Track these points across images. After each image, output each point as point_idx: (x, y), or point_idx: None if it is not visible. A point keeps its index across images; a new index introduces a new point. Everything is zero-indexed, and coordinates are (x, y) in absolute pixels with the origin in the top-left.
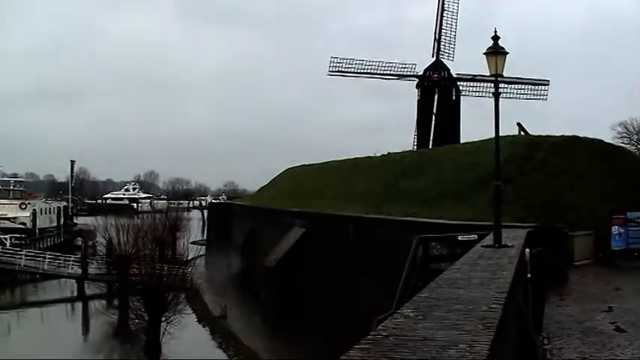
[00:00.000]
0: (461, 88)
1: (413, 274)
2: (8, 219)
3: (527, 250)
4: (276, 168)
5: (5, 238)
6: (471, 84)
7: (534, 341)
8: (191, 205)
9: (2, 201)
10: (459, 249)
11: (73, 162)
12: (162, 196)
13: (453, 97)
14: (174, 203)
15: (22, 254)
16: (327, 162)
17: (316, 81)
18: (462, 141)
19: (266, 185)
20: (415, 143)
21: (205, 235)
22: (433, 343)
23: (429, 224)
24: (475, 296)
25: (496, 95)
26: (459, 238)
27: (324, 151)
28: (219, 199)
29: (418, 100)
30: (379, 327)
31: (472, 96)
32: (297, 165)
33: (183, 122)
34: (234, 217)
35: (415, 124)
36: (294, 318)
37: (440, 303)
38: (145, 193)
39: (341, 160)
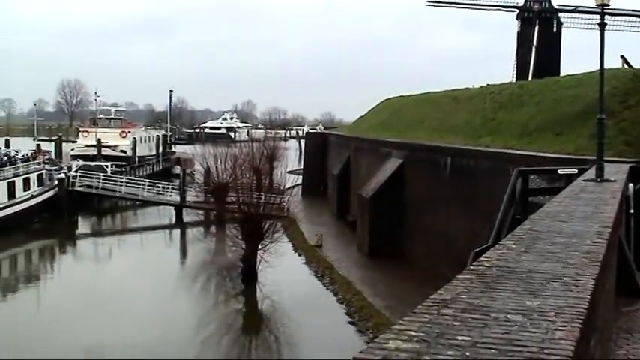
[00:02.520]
0: (562, 19)
1: (511, 207)
2: (109, 147)
3: (631, 185)
4: (373, 98)
5: (107, 166)
6: (574, 15)
7: (635, 277)
8: (288, 134)
9: (103, 130)
10: (559, 183)
11: (171, 91)
12: (259, 126)
13: (554, 29)
14: (271, 132)
15: (122, 181)
16: (425, 93)
17: (411, 11)
18: (562, 74)
19: (363, 115)
20: (514, 75)
21: (302, 164)
22: (537, 275)
23: (528, 157)
24: (578, 230)
25: (601, 26)
26: (559, 171)
27: (419, 81)
28: (316, 129)
29: (518, 32)
30: (482, 258)
31: (574, 28)
32: (395, 96)
33: (280, 51)
34: (330, 146)
35: (514, 55)
36: (390, 248)
37: (542, 235)
38: (242, 122)
39: (438, 92)
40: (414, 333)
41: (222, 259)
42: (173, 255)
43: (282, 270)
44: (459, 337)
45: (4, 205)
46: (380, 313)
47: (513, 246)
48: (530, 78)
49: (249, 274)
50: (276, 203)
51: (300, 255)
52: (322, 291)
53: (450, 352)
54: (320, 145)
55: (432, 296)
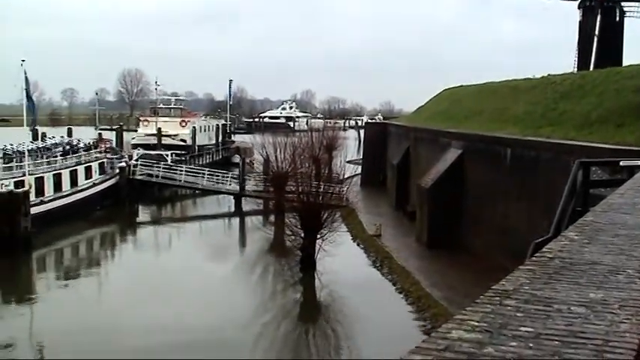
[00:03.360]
0: (625, 8)
1: (572, 198)
2: (169, 136)
3: None
4: (433, 88)
5: (167, 155)
6: (636, 4)
7: None
8: (347, 124)
9: (164, 119)
10: (621, 174)
11: (231, 81)
12: (318, 115)
13: (617, 19)
14: (330, 122)
15: (182, 170)
16: (484, 83)
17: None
18: (624, 64)
19: (423, 105)
20: (575, 65)
21: (361, 154)
22: (600, 268)
23: (590, 148)
24: None
25: None
26: (621, 163)
27: (477, 71)
28: (375, 119)
29: (579, 22)
30: (544, 249)
31: (637, 17)
32: (454, 86)
33: (339, 41)
34: (390, 136)
35: (576, 45)
36: (448, 239)
37: (605, 227)
38: (301, 111)
39: (498, 82)
40: (476, 323)
41: (281, 247)
42: (232, 243)
43: (341, 259)
44: (522, 329)
45: (67, 192)
46: (438, 304)
47: (576, 238)
48: (591, 68)
49: (307, 263)
50: (335, 193)
51: (358, 244)
52: (380, 280)
53: (514, 343)
54: (379, 134)
55: (494, 287)
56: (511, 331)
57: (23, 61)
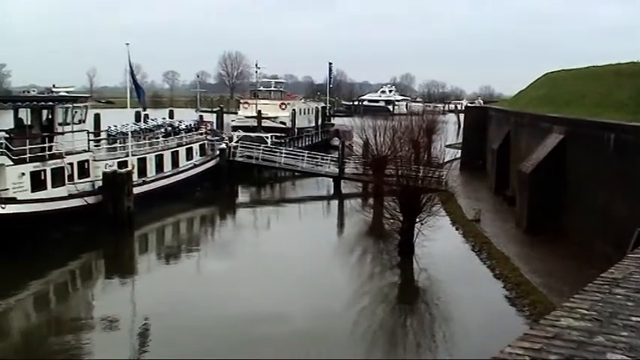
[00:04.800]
0: None
1: None
2: (269, 118)
3: None
4: (532, 72)
5: (267, 137)
6: None
7: None
8: (446, 108)
9: (264, 101)
10: None
11: (330, 64)
12: (417, 99)
13: None
14: (429, 106)
15: (282, 152)
16: (587, 67)
17: None
18: None
19: (523, 90)
20: None
21: (460, 138)
22: None
23: None
24: None
25: None
26: None
27: (578, 55)
28: (474, 103)
29: None
30: None
31: None
32: (556, 70)
33: (438, 24)
34: (490, 121)
35: None
36: (548, 225)
37: None
38: (400, 95)
39: (601, 66)
40: (585, 311)
41: (380, 231)
42: (330, 225)
43: (440, 243)
44: (634, 318)
45: (168, 173)
46: (537, 291)
47: None
48: None
49: (406, 247)
50: (434, 177)
51: (457, 229)
52: (479, 266)
53: (624, 333)
54: (479, 119)
55: (602, 275)
56: (622, 320)
57: (127, 44)
